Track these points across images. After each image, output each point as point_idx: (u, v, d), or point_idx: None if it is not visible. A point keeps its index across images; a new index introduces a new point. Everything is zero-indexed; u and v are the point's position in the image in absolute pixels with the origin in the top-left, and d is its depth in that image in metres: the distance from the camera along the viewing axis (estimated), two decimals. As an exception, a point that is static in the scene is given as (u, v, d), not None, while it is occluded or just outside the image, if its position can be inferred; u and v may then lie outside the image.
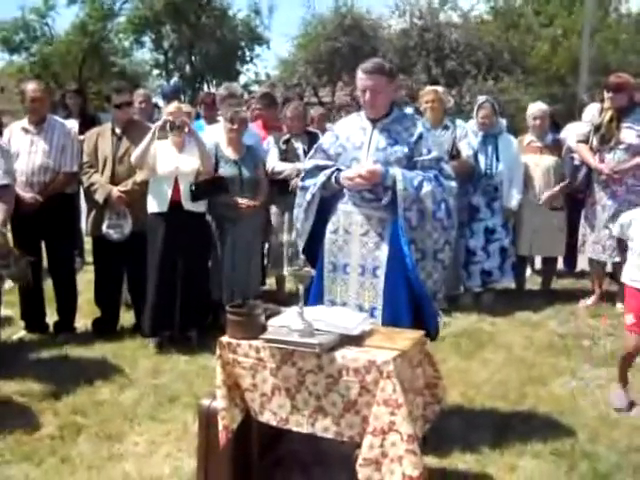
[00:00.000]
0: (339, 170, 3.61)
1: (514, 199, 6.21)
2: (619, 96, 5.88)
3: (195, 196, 5.07)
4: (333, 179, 3.61)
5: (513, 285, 6.62)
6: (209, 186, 5.15)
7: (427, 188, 3.46)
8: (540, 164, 6.32)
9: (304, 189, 3.73)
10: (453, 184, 3.57)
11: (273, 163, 5.95)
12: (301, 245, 3.77)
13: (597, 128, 6.01)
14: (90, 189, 5.33)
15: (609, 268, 6.64)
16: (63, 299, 5.49)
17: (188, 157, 5.12)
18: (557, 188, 6.24)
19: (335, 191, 3.65)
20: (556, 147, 6.41)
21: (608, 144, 5.94)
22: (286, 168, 5.90)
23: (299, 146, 6.02)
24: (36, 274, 5.25)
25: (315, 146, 3.86)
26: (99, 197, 5.25)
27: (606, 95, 5.99)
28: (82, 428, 3.87)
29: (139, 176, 5.22)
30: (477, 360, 4.93)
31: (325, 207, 3.70)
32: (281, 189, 5.90)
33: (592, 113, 6.18)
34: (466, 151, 6.09)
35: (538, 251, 6.59)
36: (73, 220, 5.87)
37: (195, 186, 5.06)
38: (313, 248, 3.70)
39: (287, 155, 6.01)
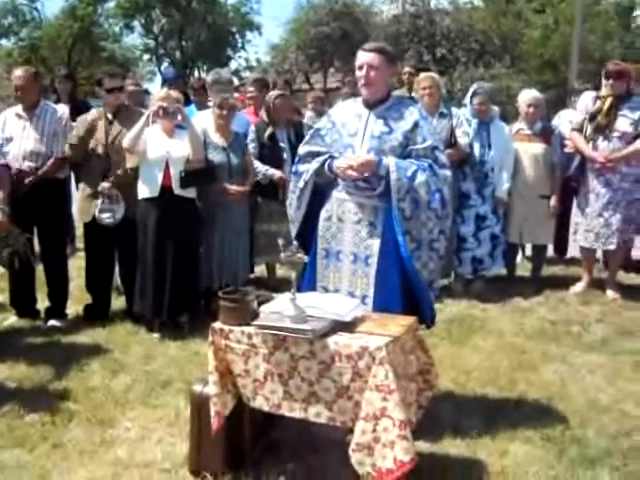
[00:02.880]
0: (332, 158, 3.61)
1: (504, 186, 6.22)
2: (619, 83, 5.90)
3: (183, 183, 5.06)
4: (326, 167, 3.61)
5: (504, 272, 6.64)
6: (198, 175, 5.14)
7: (421, 178, 3.45)
8: (529, 152, 6.33)
9: (297, 175, 3.73)
10: (448, 173, 3.56)
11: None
12: (294, 232, 3.77)
13: (592, 117, 6.02)
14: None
15: (599, 255, 6.69)
16: (55, 285, 5.48)
17: (179, 142, 5.11)
18: None
19: (328, 179, 3.65)
20: (545, 135, 6.42)
21: (602, 133, 5.95)
22: (260, 169, 5.78)
23: (283, 138, 5.95)
24: (27, 260, 5.25)
25: (311, 131, 3.84)
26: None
27: (605, 82, 5.99)
28: (74, 414, 3.87)
29: (129, 162, 5.20)
30: (468, 346, 4.95)
31: (319, 194, 3.69)
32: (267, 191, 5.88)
33: (586, 102, 6.17)
34: (463, 139, 6.08)
35: (528, 239, 6.61)
36: (65, 205, 5.84)
37: (184, 173, 5.05)
38: (307, 234, 3.69)
39: (271, 152, 5.89)
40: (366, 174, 3.47)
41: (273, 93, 6.16)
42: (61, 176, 5.50)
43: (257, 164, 5.79)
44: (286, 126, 6.02)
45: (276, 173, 5.74)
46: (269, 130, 5.93)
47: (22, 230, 4.68)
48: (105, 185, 5.19)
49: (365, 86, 3.57)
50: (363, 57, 3.54)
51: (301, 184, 3.69)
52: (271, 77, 14.75)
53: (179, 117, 5.10)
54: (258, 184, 5.78)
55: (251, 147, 5.86)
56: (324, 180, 3.67)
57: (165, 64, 39.68)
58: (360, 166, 3.44)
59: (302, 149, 3.79)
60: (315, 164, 3.65)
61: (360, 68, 3.55)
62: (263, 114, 6.07)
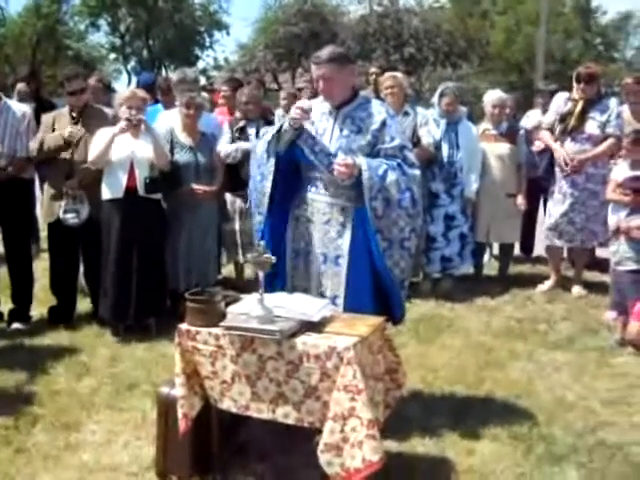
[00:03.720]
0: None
1: (472, 186, 6.26)
2: (590, 87, 5.95)
3: (148, 190, 5.01)
4: (286, 124, 3.51)
5: (471, 271, 6.68)
6: (162, 182, 5.07)
7: (392, 177, 3.44)
8: (495, 152, 6.38)
9: (263, 140, 3.63)
10: (417, 172, 3.57)
11: (220, 147, 5.83)
12: (264, 206, 3.64)
13: (562, 118, 6.07)
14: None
15: (565, 254, 6.76)
16: (19, 287, 5.38)
17: (144, 143, 5.03)
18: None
19: (291, 138, 3.52)
20: (510, 135, 6.47)
21: (570, 135, 6.01)
22: (229, 149, 5.78)
23: (252, 132, 5.93)
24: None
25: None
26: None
27: (576, 86, 6.03)
28: (38, 418, 3.80)
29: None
30: (436, 345, 4.97)
31: (288, 195, 3.66)
32: (232, 176, 5.85)
33: (558, 103, 6.23)
34: (427, 139, 6.09)
35: (495, 237, 6.66)
36: (29, 206, 5.74)
37: (149, 179, 5.00)
38: (276, 233, 3.67)
39: (239, 141, 5.90)
40: (346, 181, 3.45)
41: (244, 90, 6.19)
42: (26, 176, 5.41)
43: (229, 147, 5.78)
44: (256, 121, 6.00)
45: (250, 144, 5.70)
46: (240, 124, 5.94)
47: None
48: (70, 184, 5.11)
49: (327, 98, 3.58)
50: (317, 71, 3.52)
51: (264, 146, 3.58)
52: (239, 76, 14.71)
53: (142, 127, 5.02)
54: (229, 177, 5.75)
55: (225, 139, 5.86)
56: (284, 145, 3.53)
57: (132, 63, 39.38)
58: (340, 173, 3.42)
59: (264, 131, 3.73)
60: (275, 128, 3.56)
61: (317, 81, 3.54)
62: (238, 113, 6.09)
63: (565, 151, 6.01)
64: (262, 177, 3.60)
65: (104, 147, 4.93)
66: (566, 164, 5.97)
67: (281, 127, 3.55)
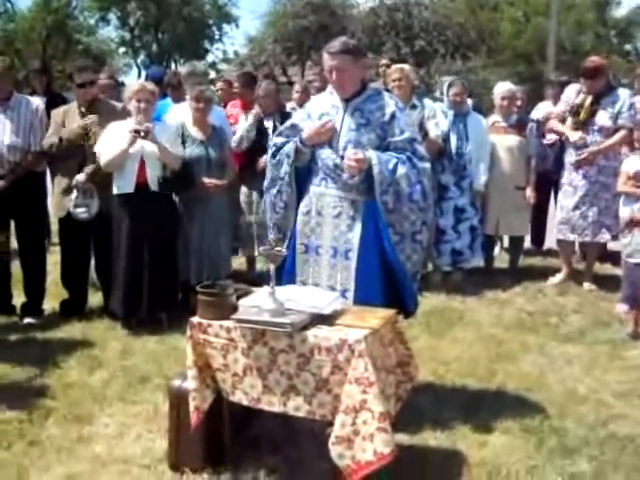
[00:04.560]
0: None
1: (481, 178, 6.24)
2: (595, 81, 5.89)
3: (161, 189, 5.02)
4: (299, 143, 3.56)
5: (481, 263, 6.67)
6: (175, 182, 5.06)
7: (402, 170, 3.44)
8: (504, 144, 6.36)
9: (279, 164, 3.66)
10: (427, 165, 3.56)
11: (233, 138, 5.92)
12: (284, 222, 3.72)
13: (573, 110, 6.02)
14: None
15: (577, 247, 6.73)
16: (32, 281, 5.40)
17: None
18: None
19: (307, 157, 3.60)
20: (520, 127, 6.45)
21: (582, 128, 5.97)
22: (238, 134, 5.89)
23: (269, 125, 5.95)
24: (6, 257, 5.21)
25: (287, 124, 3.81)
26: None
27: (583, 81, 5.99)
28: (51, 411, 3.82)
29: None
30: (447, 338, 4.97)
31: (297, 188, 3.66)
32: (249, 169, 5.85)
33: (569, 94, 6.19)
34: (434, 131, 6.07)
35: (504, 230, 6.64)
36: (41, 199, 5.76)
37: (162, 179, 4.99)
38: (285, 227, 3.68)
39: (256, 137, 5.95)
40: (356, 177, 3.44)
41: (261, 84, 6.24)
42: (38, 169, 5.42)
43: (238, 133, 5.93)
44: (272, 114, 6.01)
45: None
46: (259, 117, 5.98)
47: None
48: (80, 179, 5.12)
49: (338, 89, 3.56)
50: (330, 61, 3.49)
51: (282, 172, 3.63)
52: (248, 70, 14.70)
53: (149, 137, 5.00)
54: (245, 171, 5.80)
55: (240, 130, 5.95)
56: (303, 161, 3.61)
57: (142, 57, 39.42)
58: (350, 168, 3.41)
59: (277, 139, 3.73)
60: (291, 145, 3.58)
61: (330, 72, 3.52)
62: (257, 107, 6.13)
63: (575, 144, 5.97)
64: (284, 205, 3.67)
65: (119, 153, 4.89)
66: (578, 148, 5.92)
67: (297, 149, 3.57)
